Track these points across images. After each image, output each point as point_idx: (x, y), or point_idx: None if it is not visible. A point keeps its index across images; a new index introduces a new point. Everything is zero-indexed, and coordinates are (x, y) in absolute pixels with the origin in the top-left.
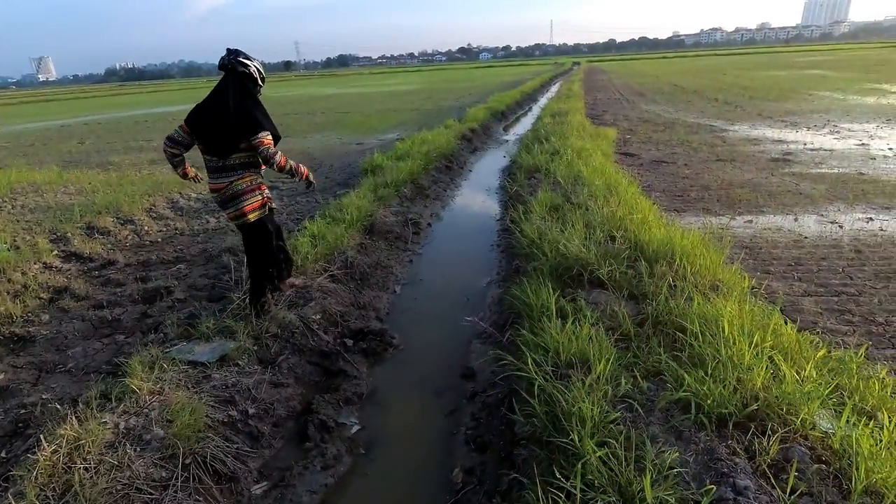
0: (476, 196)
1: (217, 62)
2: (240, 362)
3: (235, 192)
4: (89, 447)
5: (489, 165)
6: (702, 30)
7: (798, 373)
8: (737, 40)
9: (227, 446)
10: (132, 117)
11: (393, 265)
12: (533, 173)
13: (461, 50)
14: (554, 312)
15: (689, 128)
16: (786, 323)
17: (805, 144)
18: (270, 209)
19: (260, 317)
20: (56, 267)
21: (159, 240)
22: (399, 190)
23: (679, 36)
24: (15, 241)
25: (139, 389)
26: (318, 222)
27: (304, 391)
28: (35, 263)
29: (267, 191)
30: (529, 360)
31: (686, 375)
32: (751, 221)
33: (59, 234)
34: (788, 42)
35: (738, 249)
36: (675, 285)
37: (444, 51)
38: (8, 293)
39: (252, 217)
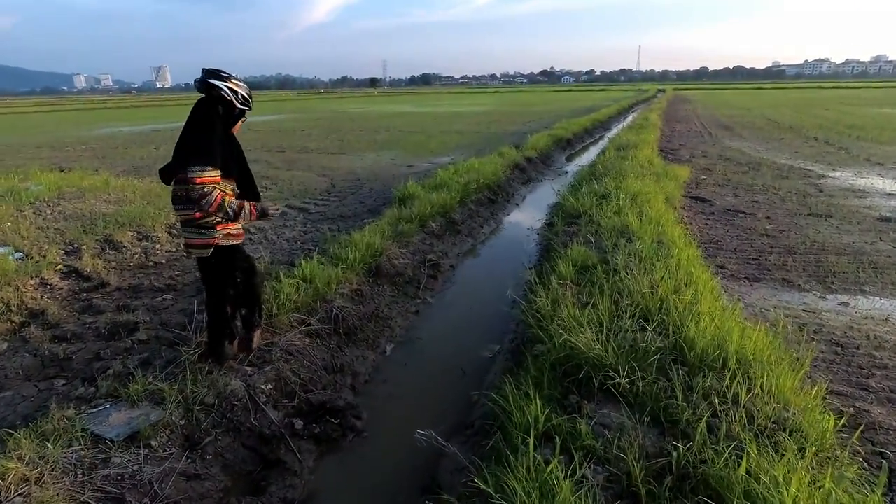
0: (515, 235)
1: (309, 76)
2: (153, 442)
3: (195, 222)
4: None
5: (540, 200)
6: (806, 61)
7: None
8: (846, 73)
9: None
10: None
11: (394, 316)
12: (574, 219)
13: (543, 73)
14: (532, 445)
15: (779, 170)
16: None
17: None
18: (233, 247)
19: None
20: (51, 284)
21: (163, 261)
22: (425, 224)
23: (779, 66)
24: (31, 249)
25: (6, 474)
26: (312, 261)
27: (228, 486)
28: (33, 279)
29: (236, 227)
30: None
31: None
32: (847, 304)
33: (75, 245)
34: None
35: (827, 347)
36: (721, 413)
37: (525, 73)
38: None
39: (212, 250)
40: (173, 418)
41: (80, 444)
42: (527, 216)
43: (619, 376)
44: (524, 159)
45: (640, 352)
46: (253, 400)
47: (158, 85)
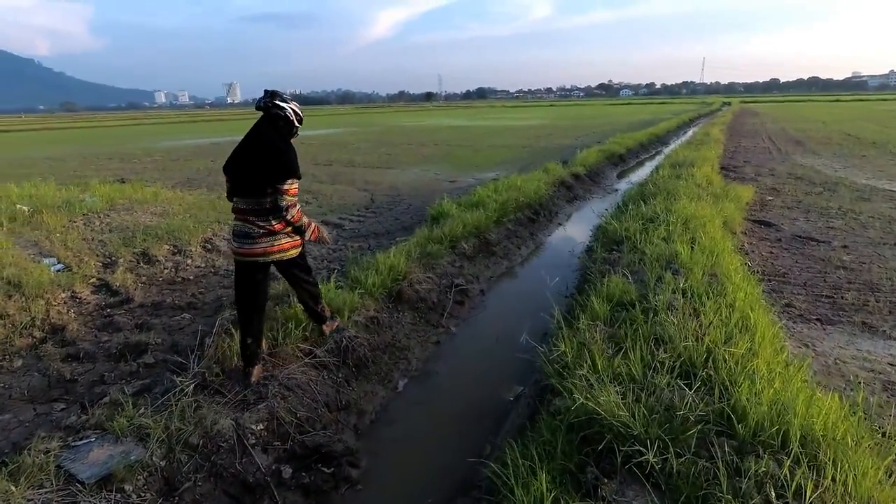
0: (554, 259)
1: (368, 91)
2: (127, 486)
3: (269, 231)
4: None
5: (585, 219)
6: (892, 70)
7: None
8: None
9: None
10: None
11: (412, 346)
12: (617, 245)
13: (600, 86)
14: None
15: (859, 192)
16: None
17: None
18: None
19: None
20: (80, 298)
21: (191, 277)
22: (456, 245)
23: (860, 77)
24: (73, 261)
25: None
26: (329, 284)
27: None
28: (65, 292)
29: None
30: None
31: None
32: None
33: (113, 258)
34: None
35: None
36: None
37: (582, 86)
38: (6, 327)
39: (292, 253)
40: (154, 458)
41: (51, 485)
42: (569, 237)
43: (649, 451)
44: (571, 176)
45: (677, 420)
46: (241, 441)
47: (229, 100)
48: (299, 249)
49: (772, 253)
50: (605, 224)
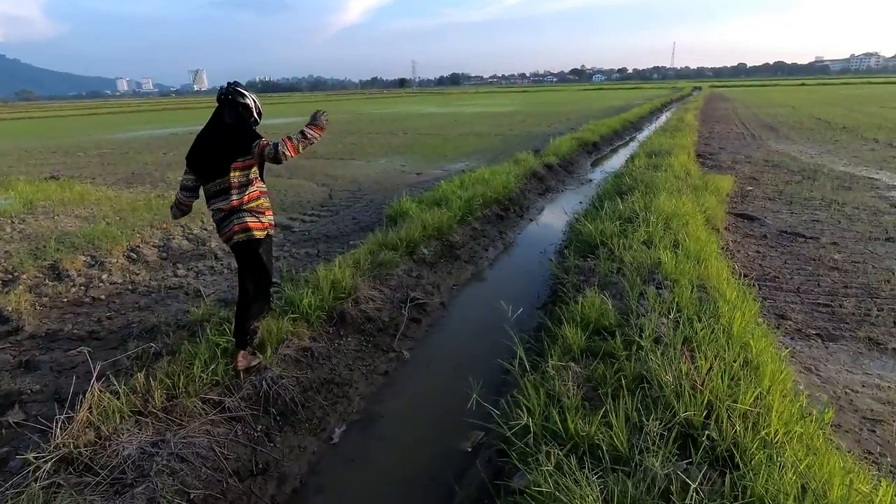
0: (525, 261)
1: (340, 78)
2: None
3: (238, 208)
4: None
5: (559, 213)
6: (852, 55)
7: None
8: None
9: None
10: None
11: (354, 381)
12: (592, 250)
13: (573, 71)
14: None
15: (839, 180)
16: None
17: None
18: (270, 236)
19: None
20: None
21: (103, 297)
22: (414, 251)
23: (823, 61)
24: None
25: None
26: None
27: None
28: None
29: (271, 216)
30: None
31: None
32: None
33: (15, 274)
34: None
35: None
36: None
37: (555, 72)
38: None
39: (257, 234)
40: None
41: None
42: (542, 235)
43: None
44: (543, 167)
45: None
46: None
47: (196, 88)
48: (265, 232)
49: (758, 252)
50: (578, 225)
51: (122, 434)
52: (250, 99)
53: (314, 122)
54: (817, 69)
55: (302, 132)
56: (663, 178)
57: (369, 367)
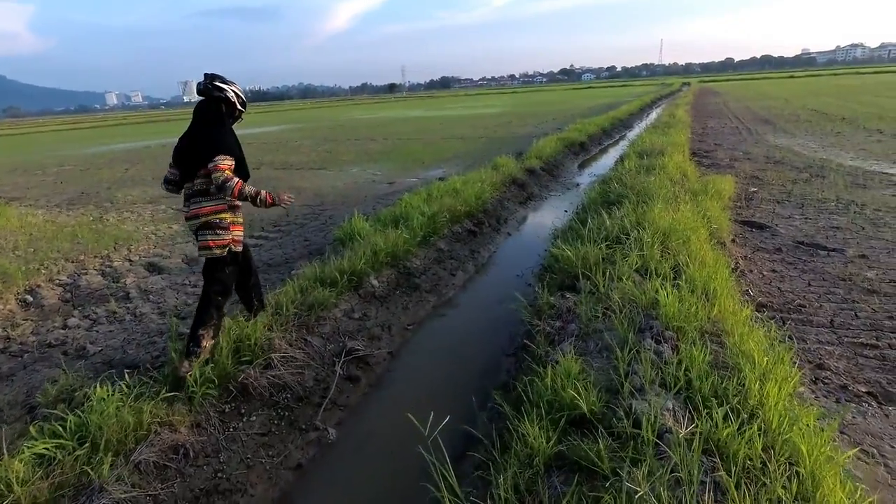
0: (498, 289)
1: (330, 84)
2: None
3: (206, 223)
4: None
5: (541, 225)
6: (838, 46)
7: None
8: (882, 57)
9: None
10: None
11: (252, 483)
12: (572, 282)
13: (563, 71)
14: None
15: (851, 176)
16: None
17: None
18: (233, 252)
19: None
20: None
21: None
22: (361, 284)
23: (809, 53)
24: None
25: None
26: (107, 389)
27: None
28: None
29: (237, 233)
30: None
31: None
32: None
33: None
34: None
35: None
36: None
37: (545, 72)
38: None
39: (217, 252)
40: None
41: None
42: (520, 252)
43: None
44: (524, 172)
45: None
46: None
47: (185, 99)
48: (224, 250)
49: (775, 271)
50: (555, 249)
51: None
52: (230, 91)
53: (276, 194)
54: (804, 61)
55: (259, 191)
56: (657, 182)
57: (276, 458)
